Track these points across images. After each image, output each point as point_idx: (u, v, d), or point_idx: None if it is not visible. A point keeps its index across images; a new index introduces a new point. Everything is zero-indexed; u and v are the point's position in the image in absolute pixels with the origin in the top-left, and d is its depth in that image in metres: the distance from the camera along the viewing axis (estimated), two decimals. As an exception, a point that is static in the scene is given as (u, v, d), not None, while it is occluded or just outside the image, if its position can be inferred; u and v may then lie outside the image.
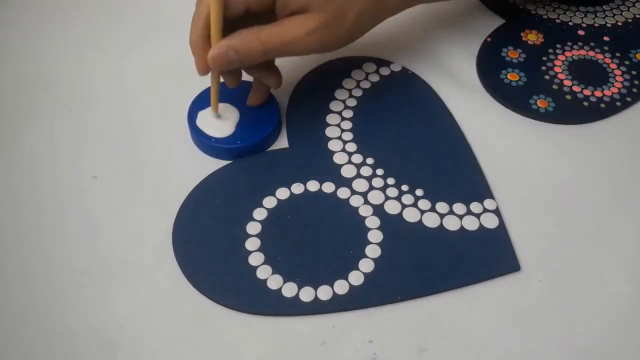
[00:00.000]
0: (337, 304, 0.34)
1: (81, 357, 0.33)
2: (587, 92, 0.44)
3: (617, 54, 0.47)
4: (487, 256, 0.36)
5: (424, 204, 0.38)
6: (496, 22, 0.50)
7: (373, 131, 0.42)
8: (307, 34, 0.36)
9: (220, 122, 0.41)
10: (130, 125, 0.44)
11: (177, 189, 0.39)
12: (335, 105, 0.44)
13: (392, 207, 0.38)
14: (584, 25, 0.49)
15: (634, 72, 0.46)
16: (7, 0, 0.53)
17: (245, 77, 0.44)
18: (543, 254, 0.36)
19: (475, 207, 0.38)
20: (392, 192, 0.39)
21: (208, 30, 0.35)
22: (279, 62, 0.42)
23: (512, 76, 0.46)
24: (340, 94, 0.45)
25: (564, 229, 0.37)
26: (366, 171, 0.40)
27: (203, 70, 0.37)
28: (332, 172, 0.40)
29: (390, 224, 0.37)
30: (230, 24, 0.36)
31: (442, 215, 0.38)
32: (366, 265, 0.36)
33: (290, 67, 0.45)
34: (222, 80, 0.40)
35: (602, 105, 0.44)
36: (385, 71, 0.46)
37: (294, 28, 0.36)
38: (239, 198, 0.39)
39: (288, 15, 0.36)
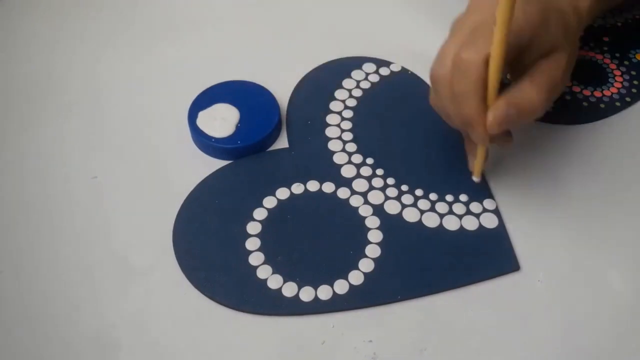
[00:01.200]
0: (337, 304, 0.34)
1: (81, 357, 0.33)
2: (586, 92, 0.44)
3: (617, 54, 0.47)
4: (487, 256, 0.36)
5: (424, 203, 0.38)
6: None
7: (373, 131, 0.42)
8: (564, 73, 0.34)
9: (221, 122, 0.41)
10: (130, 125, 0.44)
11: (177, 189, 0.39)
12: (335, 105, 0.44)
13: (392, 207, 0.38)
14: (583, 25, 0.49)
15: (633, 73, 0.46)
16: (10, 0, 0.53)
17: (243, 76, 0.44)
18: (543, 254, 0.36)
19: (475, 207, 0.38)
20: (392, 192, 0.39)
21: (485, 94, 0.32)
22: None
23: (512, 76, 0.46)
24: (340, 94, 0.45)
25: (564, 229, 0.37)
26: (366, 171, 0.40)
27: (485, 138, 0.33)
28: (332, 172, 0.40)
29: (390, 223, 0.37)
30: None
31: (441, 215, 0.38)
32: (366, 265, 0.36)
33: (290, 67, 0.45)
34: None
35: (602, 105, 0.44)
36: (385, 71, 0.46)
37: (557, 69, 0.33)
38: (239, 198, 0.39)
39: (537, 59, 0.33)
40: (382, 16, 0.50)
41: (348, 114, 0.43)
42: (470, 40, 0.32)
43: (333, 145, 0.42)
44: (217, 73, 0.44)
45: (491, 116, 0.32)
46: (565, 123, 0.43)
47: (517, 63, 0.33)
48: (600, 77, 0.45)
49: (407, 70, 0.46)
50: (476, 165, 0.37)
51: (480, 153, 0.36)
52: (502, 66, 0.31)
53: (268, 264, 0.36)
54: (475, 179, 0.38)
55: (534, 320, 0.34)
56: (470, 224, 0.37)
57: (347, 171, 0.40)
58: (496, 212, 0.38)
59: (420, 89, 0.45)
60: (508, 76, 0.35)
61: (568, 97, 0.44)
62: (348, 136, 0.42)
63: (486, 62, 0.31)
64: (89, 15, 0.52)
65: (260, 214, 0.38)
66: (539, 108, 0.33)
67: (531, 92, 0.32)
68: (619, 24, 0.49)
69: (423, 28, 0.50)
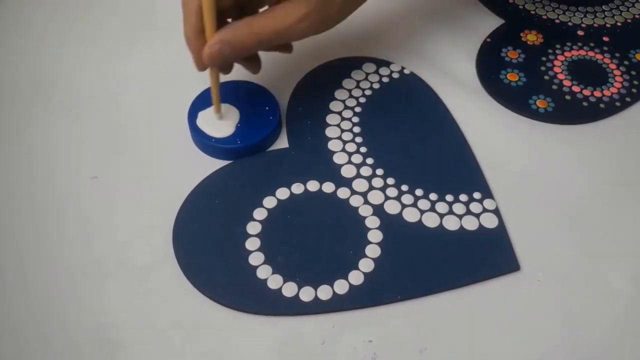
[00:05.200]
0: (337, 304, 0.34)
1: (81, 357, 0.33)
2: (586, 92, 0.44)
3: (617, 54, 0.47)
4: (487, 256, 0.36)
5: (424, 203, 0.38)
6: (496, 22, 0.50)
7: (373, 131, 0.42)
8: (300, 20, 0.35)
9: (220, 122, 0.41)
10: (130, 125, 0.44)
11: (177, 189, 0.39)
12: (335, 105, 0.44)
13: (392, 207, 0.38)
14: (583, 25, 0.49)
15: (633, 73, 0.46)
16: (11, 0, 0.53)
17: (243, 76, 0.44)
18: (543, 253, 0.36)
19: (474, 207, 0.38)
20: (392, 192, 0.39)
21: (201, 24, 0.35)
22: (280, 61, 0.42)
23: (512, 76, 0.46)
24: (340, 94, 0.45)
25: (564, 228, 0.37)
26: (366, 171, 0.40)
27: (201, 66, 0.37)
28: (332, 172, 0.40)
29: (390, 224, 0.37)
30: (220, 16, 0.35)
31: (441, 215, 0.38)
32: (366, 265, 0.36)
33: (290, 67, 0.45)
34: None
35: (602, 105, 0.44)
36: (385, 71, 0.46)
37: (287, 16, 0.35)
38: (239, 198, 0.39)
39: (277, 3, 0.36)
40: (382, 16, 0.50)
41: (348, 114, 0.43)
42: None
43: (333, 145, 0.42)
44: (217, 73, 0.44)
45: (205, 51, 0.35)
46: (565, 123, 0.43)
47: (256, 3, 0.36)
48: (600, 77, 0.45)
49: (407, 70, 0.46)
50: (213, 100, 0.39)
51: (212, 86, 0.39)
52: (213, 7, 0.33)
53: (268, 264, 0.36)
54: (216, 115, 0.40)
55: (534, 320, 0.34)
56: (470, 224, 0.37)
57: (347, 171, 0.40)
58: (496, 212, 0.38)
59: (420, 89, 0.45)
60: None
61: (568, 97, 0.44)
62: (348, 136, 0.42)
63: None
64: (89, 15, 0.52)
65: (260, 214, 0.38)
66: (251, 47, 0.35)
67: (244, 33, 0.35)
68: (619, 24, 0.49)
69: (423, 28, 0.50)
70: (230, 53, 0.35)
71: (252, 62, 0.41)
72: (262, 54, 0.42)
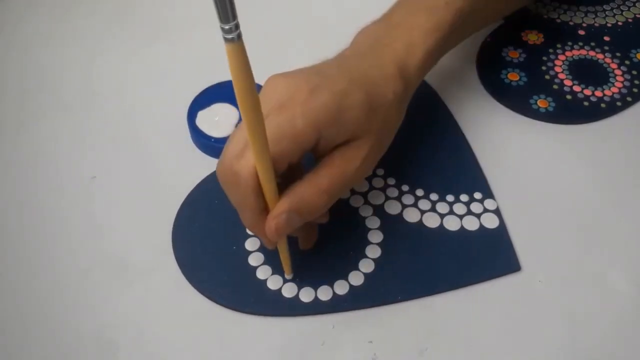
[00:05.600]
0: (337, 304, 0.34)
1: (81, 357, 0.33)
2: (587, 92, 0.44)
3: (618, 54, 0.47)
4: (487, 256, 0.36)
5: (424, 204, 0.38)
6: (496, 22, 0.50)
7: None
8: (364, 162, 0.31)
9: (220, 122, 0.41)
10: (130, 125, 0.44)
11: (177, 189, 0.39)
12: (335, 105, 0.44)
13: (392, 207, 0.38)
14: (584, 25, 0.49)
15: (634, 72, 0.46)
16: (10, 0, 0.53)
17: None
18: (543, 254, 0.36)
19: (475, 207, 0.38)
20: (392, 192, 0.39)
21: (263, 204, 0.30)
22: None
23: (513, 76, 0.45)
24: (340, 93, 0.45)
25: (564, 229, 0.37)
26: (366, 171, 0.40)
27: (273, 245, 0.32)
28: (332, 172, 0.40)
29: (391, 224, 0.37)
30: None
31: (442, 216, 0.38)
32: (366, 265, 0.36)
33: (290, 67, 0.44)
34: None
35: (603, 105, 0.43)
36: (385, 71, 0.46)
37: (350, 162, 0.31)
38: (239, 198, 0.39)
39: (335, 147, 0.31)
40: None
41: (348, 113, 0.43)
42: (243, 149, 0.29)
43: (333, 145, 0.41)
44: (217, 73, 0.44)
45: (268, 225, 0.30)
46: (565, 123, 0.43)
47: (314, 152, 0.31)
48: (601, 77, 0.45)
49: (408, 70, 0.46)
50: (283, 264, 0.34)
51: (281, 251, 0.34)
52: (272, 175, 0.28)
53: (268, 264, 0.36)
54: (288, 276, 0.35)
55: (534, 320, 0.34)
56: (471, 224, 0.37)
57: (347, 171, 0.40)
58: (497, 212, 0.38)
59: (420, 89, 0.45)
60: None
61: (569, 97, 0.44)
62: (348, 136, 0.42)
63: (256, 174, 0.29)
64: (89, 14, 0.52)
65: (260, 214, 0.38)
66: (322, 208, 0.31)
67: (311, 193, 0.30)
68: (620, 24, 0.49)
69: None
70: (298, 220, 0.30)
71: (310, 234, 0.36)
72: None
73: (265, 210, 0.30)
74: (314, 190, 0.30)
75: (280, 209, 0.30)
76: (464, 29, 0.40)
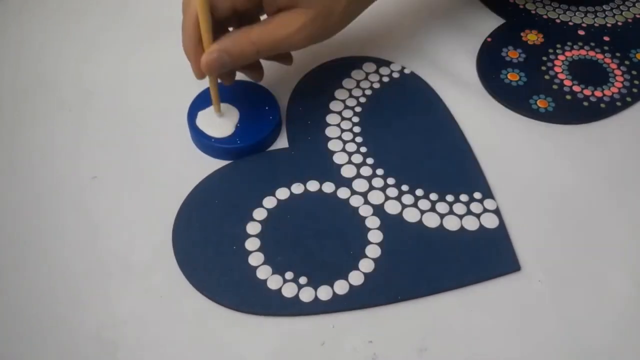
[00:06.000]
0: (337, 304, 0.34)
1: (81, 357, 0.33)
2: (587, 92, 0.44)
3: (617, 54, 0.47)
4: (487, 256, 0.36)
5: (424, 204, 0.38)
6: (496, 22, 0.50)
7: (373, 131, 0.42)
8: (298, 30, 0.36)
9: (220, 122, 0.41)
10: (130, 125, 0.44)
11: (177, 189, 0.39)
12: (335, 105, 0.44)
13: (392, 207, 0.38)
14: (584, 25, 0.49)
15: (634, 72, 0.46)
16: (8, 0, 0.53)
17: (243, 76, 0.44)
18: (543, 254, 0.36)
19: (475, 207, 0.38)
20: (392, 192, 0.39)
21: (199, 34, 0.35)
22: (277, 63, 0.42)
23: (512, 76, 0.46)
24: (340, 94, 0.45)
25: (564, 229, 0.37)
26: (366, 171, 0.40)
27: (200, 74, 0.37)
28: (332, 172, 0.40)
29: (390, 224, 0.37)
30: (219, 25, 0.36)
31: (442, 215, 0.38)
32: (366, 265, 0.36)
33: (290, 67, 0.44)
34: (219, 80, 0.40)
35: (602, 105, 0.44)
36: (385, 71, 0.46)
37: (285, 25, 0.35)
38: (239, 198, 0.39)
39: (276, 12, 0.36)
40: (382, 16, 0.50)
41: (348, 113, 0.43)
42: None
43: (333, 145, 0.42)
44: (217, 73, 0.44)
45: (203, 58, 0.35)
46: (565, 123, 0.43)
47: (259, 9, 0.36)
48: (600, 77, 0.45)
49: (407, 70, 0.46)
50: (213, 100, 0.40)
51: (211, 87, 0.39)
52: (208, 12, 0.34)
53: (268, 264, 0.36)
54: (217, 113, 0.40)
55: (534, 321, 0.34)
56: (471, 224, 0.37)
57: (347, 171, 0.40)
58: (496, 212, 0.38)
59: (420, 89, 0.45)
60: None
61: (569, 97, 0.44)
62: (348, 136, 0.42)
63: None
64: (89, 13, 0.52)
65: (260, 214, 0.38)
66: (249, 56, 0.36)
67: (243, 42, 0.35)
68: (620, 24, 0.49)
69: (423, 28, 0.50)
70: (228, 61, 0.35)
71: (254, 70, 0.41)
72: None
73: (200, 42, 0.35)
74: (245, 38, 0.35)
75: (214, 47, 0.35)
76: None
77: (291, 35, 0.36)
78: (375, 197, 0.39)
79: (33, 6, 0.53)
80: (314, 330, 0.34)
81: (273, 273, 0.35)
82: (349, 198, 0.39)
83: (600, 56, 0.47)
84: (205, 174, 0.40)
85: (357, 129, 0.42)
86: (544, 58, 0.47)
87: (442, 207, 0.38)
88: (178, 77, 0.45)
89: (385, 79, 0.46)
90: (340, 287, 0.35)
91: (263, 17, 0.38)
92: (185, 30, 0.36)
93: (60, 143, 0.43)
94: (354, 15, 0.40)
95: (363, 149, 0.41)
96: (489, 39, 0.48)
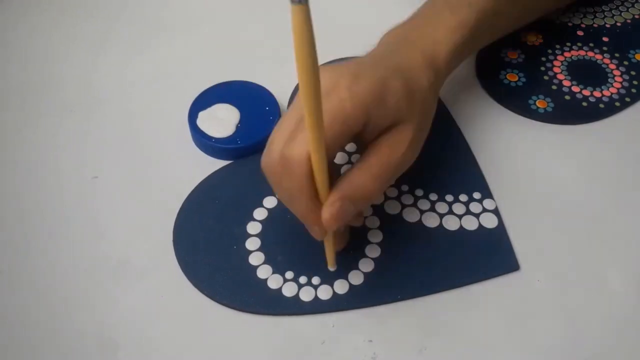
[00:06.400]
0: (337, 304, 0.34)
1: (81, 356, 0.33)
2: (586, 92, 0.44)
3: (616, 54, 0.47)
4: (487, 256, 0.36)
5: (424, 203, 0.38)
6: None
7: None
8: (410, 145, 0.32)
9: (221, 122, 0.41)
10: (130, 125, 0.44)
11: (177, 189, 0.39)
12: (335, 106, 0.44)
13: (391, 207, 0.38)
14: (583, 25, 0.49)
15: (632, 73, 0.46)
16: (10, 0, 0.53)
17: (243, 76, 0.44)
18: (543, 254, 0.36)
19: (474, 207, 0.38)
20: (392, 192, 0.39)
21: (313, 188, 0.29)
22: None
23: (512, 76, 0.46)
24: (340, 94, 0.45)
25: (564, 229, 0.38)
26: (366, 171, 0.40)
27: (322, 234, 0.31)
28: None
29: (390, 224, 0.37)
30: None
31: (441, 215, 0.38)
32: (366, 265, 0.36)
33: (290, 67, 0.44)
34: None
35: (601, 105, 0.44)
36: (384, 71, 0.46)
37: (398, 145, 0.31)
38: (240, 198, 0.39)
39: (380, 134, 0.32)
40: (382, 16, 0.50)
41: (348, 114, 0.43)
42: (293, 135, 0.29)
43: (333, 146, 0.42)
44: (217, 73, 0.44)
45: (326, 213, 0.29)
46: (564, 123, 0.43)
47: (359, 141, 0.32)
48: (599, 77, 0.45)
49: (407, 71, 0.46)
50: (328, 256, 0.35)
51: (327, 244, 0.34)
52: (325, 161, 0.28)
53: (268, 264, 0.36)
54: (331, 268, 0.35)
55: (533, 320, 0.34)
56: (470, 224, 0.37)
57: (347, 171, 0.40)
58: (496, 212, 0.38)
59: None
60: None
61: (568, 97, 0.44)
62: (348, 136, 0.42)
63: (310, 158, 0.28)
64: (90, 14, 0.52)
65: (260, 214, 0.38)
66: (375, 194, 0.31)
67: (364, 180, 0.30)
68: (619, 24, 0.49)
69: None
70: (352, 208, 0.30)
71: (344, 234, 0.35)
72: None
73: (317, 198, 0.30)
74: (366, 176, 0.30)
75: (336, 196, 0.29)
76: (492, 28, 0.41)
77: (405, 153, 0.32)
78: (375, 197, 0.39)
79: (36, 8, 0.53)
80: (314, 329, 0.34)
81: (273, 272, 0.35)
82: (348, 198, 0.39)
83: (599, 56, 0.47)
84: (206, 174, 0.40)
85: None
86: (543, 58, 0.47)
87: (441, 207, 0.38)
88: (179, 77, 0.45)
89: (385, 79, 0.46)
90: (340, 286, 0.35)
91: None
92: (298, 191, 0.29)
93: (61, 143, 0.43)
94: (436, 104, 0.36)
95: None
96: (488, 40, 0.48)
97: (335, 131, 0.29)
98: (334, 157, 0.31)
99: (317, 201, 0.30)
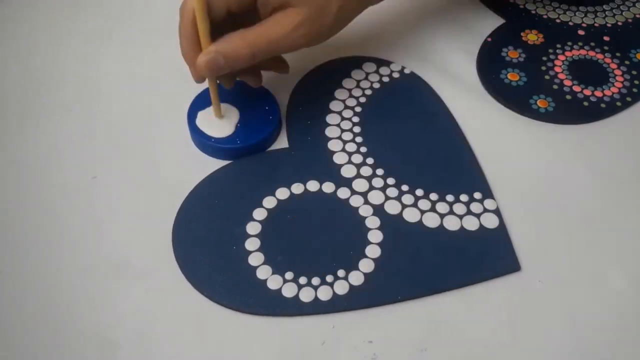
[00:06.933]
0: (337, 304, 0.34)
1: (81, 356, 0.33)
2: (587, 92, 0.44)
3: (617, 54, 0.47)
4: (487, 256, 0.36)
5: (424, 203, 0.38)
6: (496, 22, 0.50)
7: (373, 131, 0.42)
8: (292, 30, 0.36)
9: (220, 122, 0.41)
10: (130, 125, 0.44)
11: (177, 189, 0.39)
12: (335, 105, 0.44)
13: (392, 207, 0.38)
14: (584, 25, 0.49)
15: (634, 72, 0.46)
16: (10, 0, 0.53)
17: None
18: (543, 254, 0.36)
19: (475, 207, 0.38)
20: (392, 192, 0.39)
21: (197, 36, 0.35)
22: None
23: (512, 76, 0.46)
24: (340, 94, 0.45)
25: (564, 228, 0.37)
26: (366, 171, 0.40)
27: (198, 77, 0.38)
28: (332, 172, 0.40)
29: (390, 224, 0.37)
30: (217, 29, 0.36)
31: (442, 215, 0.38)
32: (366, 265, 0.36)
33: (291, 67, 0.44)
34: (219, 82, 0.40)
35: (602, 105, 0.44)
36: (385, 71, 0.46)
37: (279, 26, 0.36)
38: (239, 198, 0.39)
39: (270, 14, 0.36)
40: (382, 16, 0.50)
41: (348, 113, 0.43)
42: None
43: (333, 145, 0.42)
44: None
45: (199, 60, 0.35)
46: (565, 123, 0.43)
47: (255, 11, 0.36)
48: (600, 77, 0.45)
49: (407, 70, 0.46)
50: (213, 104, 0.40)
51: (211, 91, 0.39)
52: (205, 14, 0.34)
53: (268, 264, 0.36)
54: (217, 117, 0.40)
55: (534, 320, 0.34)
56: (471, 224, 0.37)
57: (347, 171, 0.40)
58: (496, 212, 0.38)
59: (420, 89, 0.45)
60: None
61: (569, 97, 0.44)
62: (348, 136, 0.42)
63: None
64: (88, 13, 0.52)
65: (260, 214, 0.38)
66: (245, 59, 0.35)
67: (239, 43, 0.35)
68: (620, 24, 0.49)
69: (423, 28, 0.50)
70: (224, 64, 0.35)
71: (253, 76, 0.41)
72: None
73: (198, 44, 0.35)
74: (240, 40, 0.35)
75: (211, 49, 0.35)
76: None
77: (286, 35, 0.36)
78: (375, 197, 0.39)
79: (35, 7, 0.53)
80: (314, 330, 0.34)
81: (273, 273, 0.35)
82: (349, 198, 0.39)
83: (600, 56, 0.47)
84: (205, 174, 0.40)
85: (357, 129, 0.42)
86: (544, 58, 0.47)
87: (442, 207, 0.38)
88: (178, 77, 0.45)
89: (385, 79, 0.46)
90: (340, 287, 0.35)
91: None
92: (182, 33, 0.36)
93: (60, 143, 0.43)
94: (350, 16, 0.40)
95: (363, 149, 0.41)
96: (489, 39, 0.48)
97: None
98: (220, 17, 0.35)
99: (197, 47, 0.36)
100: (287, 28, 0.35)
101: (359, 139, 0.42)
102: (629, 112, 0.43)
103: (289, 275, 0.35)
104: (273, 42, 0.36)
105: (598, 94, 0.44)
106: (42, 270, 0.36)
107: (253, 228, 0.37)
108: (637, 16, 0.50)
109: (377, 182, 0.39)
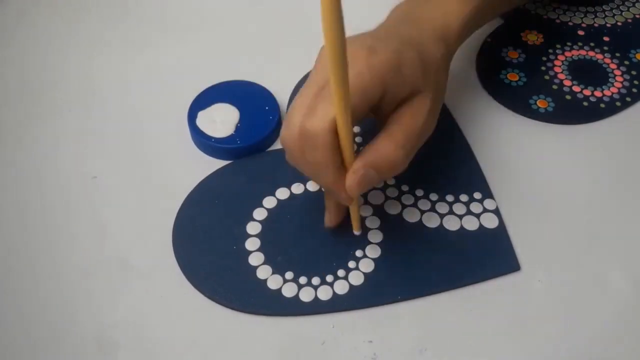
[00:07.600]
0: (337, 304, 0.34)
1: (81, 356, 0.33)
2: (587, 92, 0.44)
3: (617, 54, 0.47)
4: (487, 256, 0.36)
5: (424, 204, 0.38)
6: (496, 21, 0.50)
7: (373, 131, 0.42)
8: (429, 114, 0.33)
9: (220, 122, 0.41)
10: (130, 125, 0.44)
11: (177, 189, 0.39)
12: (335, 105, 0.44)
13: (392, 207, 0.38)
14: (583, 25, 0.49)
15: (633, 72, 0.46)
16: (9, 0, 0.53)
17: (243, 76, 0.44)
18: (543, 254, 0.36)
19: (475, 207, 0.38)
20: (392, 192, 0.39)
21: (340, 160, 0.30)
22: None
23: (512, 76, 0.46)
24: (340, 94, 0.45)
25: (564, 228, 0.37)
26: (366, 171, 0.40)
27: (350, 200, 0.32)
28: (332, 172, 0.40)
29: (391, 224, 0.37)
30: None
31: (442, 215, 0.38)
32: (366, 265, 0.36)
33: (290, 67, 0.44)
34: None
35: (602, 105, 0.44)
36: (385, 71, 0.46)
37: (418, 114, 0.32)
38: (239, 198, 0.39)
39: (398, 105, 0.32)
40: (381, 15, 0.50)
41: (348, 114, 0.43)
42: (313, 107, 0.30)
43: (333, 145, 0.41)
44: (217, 73, 0.44)
45: (349, 180, 0.30)
46: (565, 123, 0.43)
47: (377, 113, 0.32)
48: (600, 77, 0.45)
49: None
50: (353, 220, 0.36)
51: (352, 209, 0.35)
52: (351, 130, 0.29)
53: (268, 264, 0.36)
54: (356, 232, 0.36)
55: (534, 320, 0.34)
56: (471, 224, 0.37)
57: (347, 171, 0.40)
58: (496, 212, 0.38)
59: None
60: None
61: (568, 97, 0.44)
62: (348, 136, 0.42)
63: (333, 129, 0.29)
64: (90, 14, 0.52)
65: (260, 214, 0.38)
66: (400, 163, 0.31)
67: (388, 148, 0.31)
68: (619, 24, 0.49)
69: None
70: (376, 176, 0.31)
71: (340, 211, 0.36)
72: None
73: (342, 167, 0.31)
74: (391, 145, 0.31)
75: (359, 164, 0.30)
76: (499, 2, 0.42)
77: (426, 122, 0.32)
78: (375, 197, 0.39)
79: (35, 8, 0.53)
80: (314, 330, 0.34)
81: (273, 273, 0.35)
82: (349, 198, 0.39)
83: (600, 56, 0.47)
84: (205, 174, 0.40)
85: (356, 129, 0.42)
86: (544, 58, 0.47)
87: (442, 207, 0.38)
88: (178, 77, 0.45)
89: (385, 79, 0.46)
90: (340, 286, 0.35)
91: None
92: (322, 162, 0.30)
93: (61, 143, 0.43)
94: (448, 76, 0.37)
95: (363, 149, 0.41)
96: (488, 39, 0.48)
97: (354, 103, 0.29)
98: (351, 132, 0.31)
99: (342, 170, 0.31)
100: (425, 114, 0.32)
101: (358, 139, 0.42)
102: (628, 112, 0.44)
103: (289, 275, 0.35)
104: (420, 136, 0.32)
105: (598, 94, 0.44)
106: (43, 270, 0.36)
107: (253, 228, 0.37)
108: (637, 16, 0.50)
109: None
